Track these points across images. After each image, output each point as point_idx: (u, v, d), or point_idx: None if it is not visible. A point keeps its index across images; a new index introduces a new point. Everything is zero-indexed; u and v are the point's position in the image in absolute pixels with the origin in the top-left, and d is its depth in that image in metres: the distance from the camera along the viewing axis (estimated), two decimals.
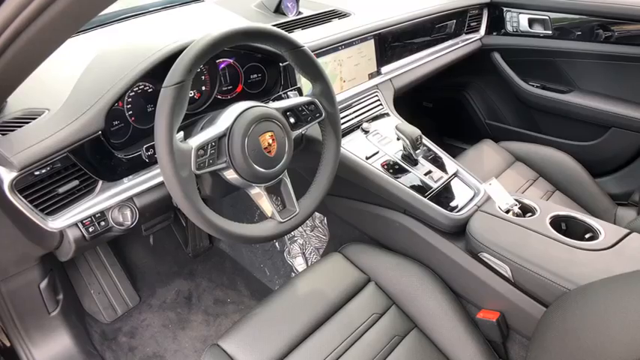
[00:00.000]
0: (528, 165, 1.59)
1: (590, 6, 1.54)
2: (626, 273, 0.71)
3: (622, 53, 1.52)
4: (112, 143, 0.83)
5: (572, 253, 0.92)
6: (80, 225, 0.81)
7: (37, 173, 0.74)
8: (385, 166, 1.17)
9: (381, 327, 1.00)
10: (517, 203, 1.08)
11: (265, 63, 1.10)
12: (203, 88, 1.01)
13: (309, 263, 1.50)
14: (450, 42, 1.71)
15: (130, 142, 0.87)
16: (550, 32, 1.66)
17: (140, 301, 1.53)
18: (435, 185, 1.15)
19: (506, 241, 0.98)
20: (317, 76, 0.93)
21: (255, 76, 1.09)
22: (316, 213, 1.55)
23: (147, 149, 0.85)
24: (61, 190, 0.77)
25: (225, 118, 0.82)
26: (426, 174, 1.17)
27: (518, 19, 1.72)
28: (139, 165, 0.87)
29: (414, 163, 1.20)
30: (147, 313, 1.50)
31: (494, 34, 1.81)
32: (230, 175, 0.83)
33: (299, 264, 1.48)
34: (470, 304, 1.07)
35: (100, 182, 0.82)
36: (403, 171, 1.17)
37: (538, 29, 1.69)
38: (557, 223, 1.02)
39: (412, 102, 2.15)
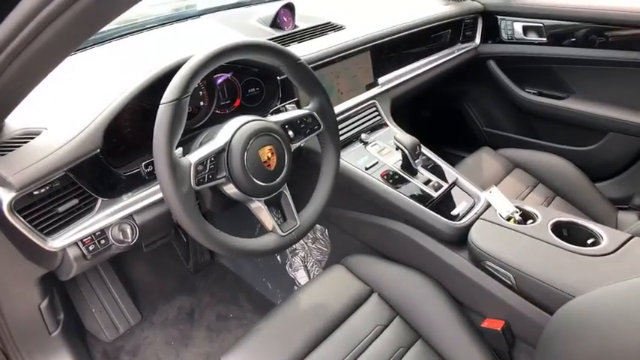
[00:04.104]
0: (527, 171, 1.58)
1: (584, 12, 1.55)
2: (632, 279, 0.70)
3: (617, 58, 1.53)
4: (111, 161, 0.83)
5: (575, 260, 0.91)
6: (80, 244, 0.81)
7: (36, 193, 0.73)
8: (385, 177, 1.17)
9: (386, 339, 0.99)
10: (518, 210, 1.08)
11: (262, 77, 1.10)
12: (201, 103, 1.01)
13: (312, 276, 1.49)
14: (446, 51, 1.72)
15: (128, 159, 0.87)
16: (545, 39, 1.67)
17: (142, 319, 1.52)
18: (435, 194, 1.15)
19: (509, 249, 0.97)
20: (314, 88, 0.93)
21: (253, 90, 1.10)
22: (317, 225, 1.54)
23: (146, 166, 0.85)
24: (60, 209, 0.77)
25: (224, 133, 0.82)
26: (425, 183, 1.17)
27: (513, 27, 1.73)
28: (138, 182, 0.87)
29: (414, 172, 1.19)
30: (149, 330, 1.49)
31: (490, 42, 1.82)
32: (230, 189, 0.83)
33: (301, 277, 1.47)
34: (474, 313, 1.06)
35: (100, 200, 0.82)
36: (403, 181, 1.17)
37: (533, 37, 1.71)
38: (559, 229, 1.01)
39: (410, 112, 2.16)
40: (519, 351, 1.00)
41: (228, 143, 0.80)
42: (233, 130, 0.81)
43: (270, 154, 0.84)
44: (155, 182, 0.90)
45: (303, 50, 1.18)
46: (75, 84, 0.88)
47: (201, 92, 1.00)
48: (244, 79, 1.07)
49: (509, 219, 1.06)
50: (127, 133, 0.87)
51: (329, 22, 1.38)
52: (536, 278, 0.90)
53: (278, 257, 1.55)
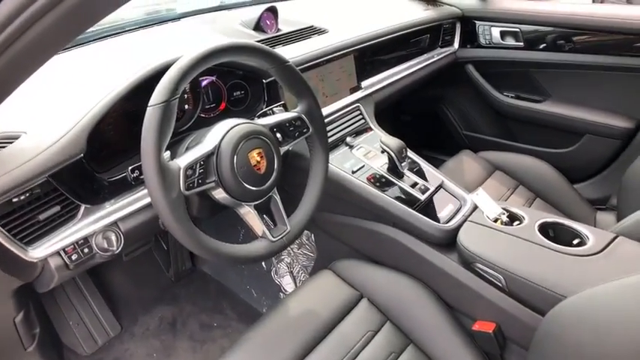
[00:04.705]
0: (508, 174, 1.61)
1: (559, 18, 1.60)
2: (622, 279, 0.71)
3: (591, 62, 1.58)
4: (94, 166, 0.79)
5: (564, 260, 0.92)
6: (62, 253, 0.77)
7: (15, 200, 0.69)
8: (372, 180, 1.17)
9: (377, 345, 0.98)
10: (505, 212, 1.09)
11: (248, 80, 1.08)
12: (186, 106, 0.99)
13: (298, 282, 1.47)
14: (426, 56, 1.73)
15: (112, 164, 0.84)
16: (522, 44, 1.71)
17: (122, 330, 1.46)
18: (422, 197, 1.15)
19: (498, 250, 0.98)
20: (303, 91, 0.92)
21: (238, 93, 1.08)
22: None
23: (132, 170, 0.82)
24: (41, 217, 0.73)
25: (213, 137, 0.80)
26: (412, 186, 1.17)
27: (491, 32, 1.77)
28: (123, 187, 0.84)
29: (400, 175, 1.19)
30: (129, 342, 1.44)
31: (468, 47, 1.86)
32: (219, 194, 0.81)
33: (287, 283, 1.45)
34: (464, 315, 1.06)
35: (83, 207, 0.78)
36: (390, 184, 1.17)
37: (510, 41, 1.74)
38: (545, 230, 1.03)
39: (391, 116, 2.17)
40: (511, 353, 1.00)
41: (218, 147, 0.78)
42: (222, 133, 0.79)
43: (259, 158, 0.82)
44: (141, 187, 0.87)
45: (287, 53, 1.16)
46: (55, 86, 0.85)
47: (186, 95, 0.98)
48: (229, 81, 1.05)
49: (495, 220, 1.07)
50: (111, 137, 0.84)
51: (312, 26, 1.37)
52: (526, 279, 0.91)
53: (263, 263, 1.53)
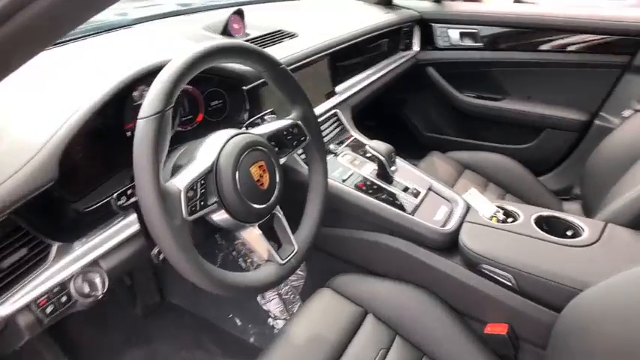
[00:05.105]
0: (477, 172, 1.62)
1: (515, 18, 1.65)
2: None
3: (547, 60, 1.65)
4: (66, 194, 0.66)
5: (568, 252, 0.91)
6: (34, 306, 0.62)
7: None
8: (363, 187, 1.11)
9: None
10: (499, 209, 1.07)
11: (225, 87, 0.98)
12: None
13: (288, 305, 1.36)
14: (388, 60, 1.72)
15: (86, 190, 0.70)
16: (480, 44, 1.75)
17: None
18: (415, 201, 1.10)
19: (503, 249, 0.95)
20: (298, 96, 0.84)
21: (216, 102, 0.97)
22: None
23: (119, 197, 0.68)
24: (4, 264, 0.58)
25: (207, 151, 0.69)
26: (404, 190, 1.13)
27: (449, 34, 1.80)
28: (102, 217, 0.70)
29: (390, 180, 1.15)
30: None
31: (428, 49, 1.87)
32: (219, 216, 0.70)
33: (275, 307, 1.34)
34: (474, 320, 1.02)
35: (55, 246, 0.64)
36: (381, 190, 1.11)
37: (468, 42, 1.78)
38: (540, 224, 1.02)
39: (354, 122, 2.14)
40: (525, 353, 0.97)
41: (216, 162, 0.68)
42: (218, 146, 0.69)
43: (262, 172, 0.73)
44: (119, 217, 0.74)
45: None
46: (13, 97, 0.69)
47: None
48: (206, 90, 0.94)
49: (491, 219, 1.05)
50: (81, 158, 0.70)
51: (280, 30, 1.29)
52: (538, 276, 0.89)
53: None
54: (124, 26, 1.21)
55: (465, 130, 1.97)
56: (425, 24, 1.83)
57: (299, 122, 0.84)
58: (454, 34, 1.78)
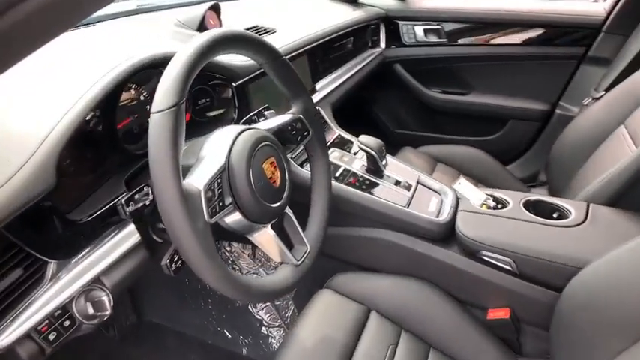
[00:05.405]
0: (449, 165, 1.66)
1: (478, 14, 1.71)
2: (633, 240, 0.74)
3: (509, 53, 1.72)
4: (60, 204, 0.58)
5: (562, 234, 0.95)
6: (35, 333, 0.54)
7: None
8: (356, 184, 1.09)
9: (403, 357, 0.90)
10: (489, 197, 1.09)
11: (212, 85, 0.93)
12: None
13: (282, 311, 1.30)
14: (358, 58, 1.72)
15: (80, 199, 0.62)
16: (445, 40, 1.79)
17: None
18: (408, 194, 1.10)
19: (502, 234, 0.97)
20: (298, 89, 0.81)
21: (204, 100, 0.92)
22: None
23: (127, 202, 0.60)
24: None
25: (215, 149, 0.64)
26: (395, 184, 1.12)
27: (414, 31, 1.83)
28: (100, 229, 0.63)
29: (381, 175, 1.14)
30: None
31: (394, 47, 1.89)
32: (232, 218, 0.65)
33: (268, 314, 1.28)
34: (475, 307, 1.03)
35: (52, 264, 0.56)
36: (374, 185, 1.10)
37: (433, 38, 1.82)
38: (528, 208, 1.05)
39: None
40: (527, 335, 0.99)
41: (227, 161, 0.63)
42: (227, 144, 0.64)
43: (273, 169, 0.69)
44: (115, 229, 0.66)
45: (240, 57, 1.03)
46: None
47: (148, 107, 0.79)
48: (193, 87, 0.88)
49: (481, 207, 1.07)
50: (71, 165, 0.63)
51: (257, 26, 1.25)
52: (537, 257, 0.91)
53: None
54: (86, 25, 1.11)
55: (433, 126, 2.01)
56: (390, 21, 1.85)
57: (301, 116, 0.80)
58: (419, 30, 1.81)
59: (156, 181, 0.51)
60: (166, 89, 0.53)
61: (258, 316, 1.28)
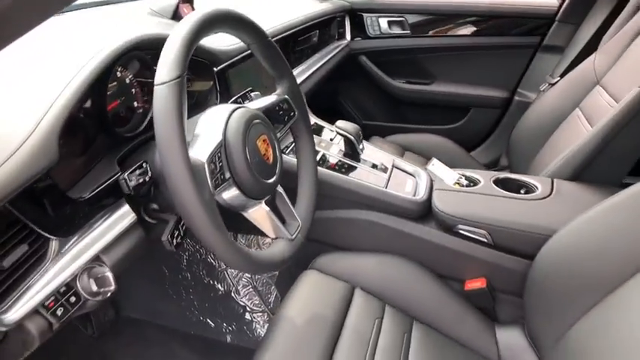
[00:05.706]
0: (416, 153, 1.73)
1: (436, 6, 1.79)
2: (595, 208, 0.81)
3: (469, 44, 1.80)
4: (61, 180, 0.57)
5: (532, 206, 1.02)
6: (43, 309, 0.53)
7: None
8: (336, 168, 1.12)
9: (387, 330, 0.94)
10: (462, 176, 1.15)
11: (193, 70, 0.93)
12: (135, 104, 0.79)
13: (265, 296, 1.31)
14: (325, 50, 1.75)
15: (77, 176, 0.62)
16: (408, 32, 1.86)
17: None
18: (385, 176, 1.15)
19: (476, 208, 1.03)
20: (284, 71, 0.83)
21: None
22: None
23: (130, 176, 0.60)
24: (5, 263, 0.49)
25: (210, 126, 0.65)
26: (373, 167, 1.16)
27: (379, 23, 1.88)
28: (99, 207, 0.63)
29: (358, 159, 1.18)
30: None
31: (359, 38, 1.94)
32: (229, 194, 0.66)
33: (250, 300, 1.28)
34: (453, 280, 1.08)
35: (54, 241, 0.55)
36: (353, 168, 1.14)
37: (397, 30, 1.88)
38: (497, 185, 1.12)
39: None
40: (502, 303, 1.06)
41: (224, 137, 0.64)
42: (222, 121, 0.65)
43: (266, 146, 0.71)
44: (111, 208, 0.66)
45: (221, 42, 1.04)
46: None
47: (133, 90, 0.79)
48: None
49: (454, 185, 1.13)
50: (68, 143, 0.62)
51: None
52: (511, 228, 0.98)
53: (218, 285, 1.32)
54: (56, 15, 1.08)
55: (399, 115, 2.07)
56: (355, 14, 1.90)
57: (287, 97, 0.83)
58: (383, 22, 1.87)
59: (163, 153, 0.51)
60: (170, 61, 0.54)
61: (242, 303, 1.28)
